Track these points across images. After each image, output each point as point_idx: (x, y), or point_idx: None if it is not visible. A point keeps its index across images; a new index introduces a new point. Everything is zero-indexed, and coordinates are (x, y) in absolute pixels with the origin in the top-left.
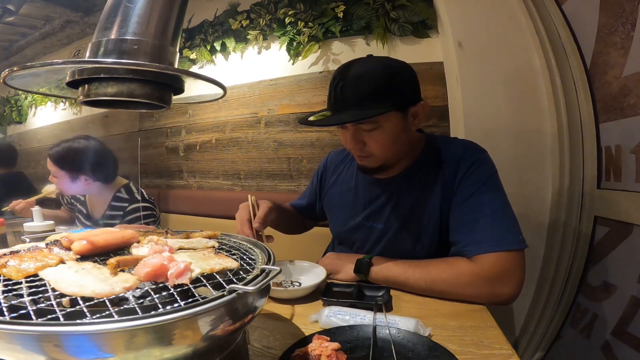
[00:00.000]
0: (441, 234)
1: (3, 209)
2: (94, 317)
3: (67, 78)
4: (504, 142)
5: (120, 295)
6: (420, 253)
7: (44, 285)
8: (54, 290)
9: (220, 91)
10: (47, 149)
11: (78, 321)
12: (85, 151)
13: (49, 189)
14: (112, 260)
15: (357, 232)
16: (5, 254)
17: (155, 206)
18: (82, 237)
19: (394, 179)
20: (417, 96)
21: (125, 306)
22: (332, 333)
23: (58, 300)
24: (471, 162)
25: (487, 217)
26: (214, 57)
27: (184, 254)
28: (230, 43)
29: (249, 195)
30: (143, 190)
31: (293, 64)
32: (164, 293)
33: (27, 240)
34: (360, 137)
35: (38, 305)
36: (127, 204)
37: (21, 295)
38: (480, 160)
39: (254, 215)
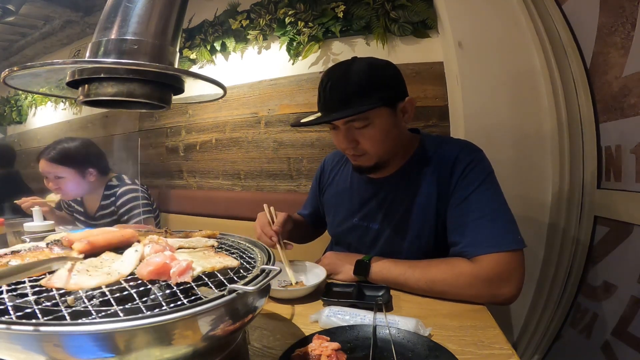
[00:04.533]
0: (437, 233)
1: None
2: (95, 316)
3: (67, 78)
4: (504, 142)
5: (125, 292)
6: (416, 253)
7: None
8: (57, 289)
9: (220, 91)
10: (39, 155)
11: (78, 321)
12: (82, 145)
13: (52, 197)
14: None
15: (353, 232)
16: (6, 254)
17: (149, 195)
18: (82, 237)
19: (388, 179)
20: (404, 92)
21: (128, 305)
22: (332, 333)
23: (62, 299)
24: (467, 162)
25: (485, 217)
26: (214, 57)
27: (185, 252)
28: (230, 43)
29: (265, 205)
30: (137, 181)
31: (293, 64)
32: (167, 291)
33: (27, 240)
34: (352, 135)
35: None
36: (117, 189)
37: (25, 295)
38: (476, 160)
39: (272, 222)
